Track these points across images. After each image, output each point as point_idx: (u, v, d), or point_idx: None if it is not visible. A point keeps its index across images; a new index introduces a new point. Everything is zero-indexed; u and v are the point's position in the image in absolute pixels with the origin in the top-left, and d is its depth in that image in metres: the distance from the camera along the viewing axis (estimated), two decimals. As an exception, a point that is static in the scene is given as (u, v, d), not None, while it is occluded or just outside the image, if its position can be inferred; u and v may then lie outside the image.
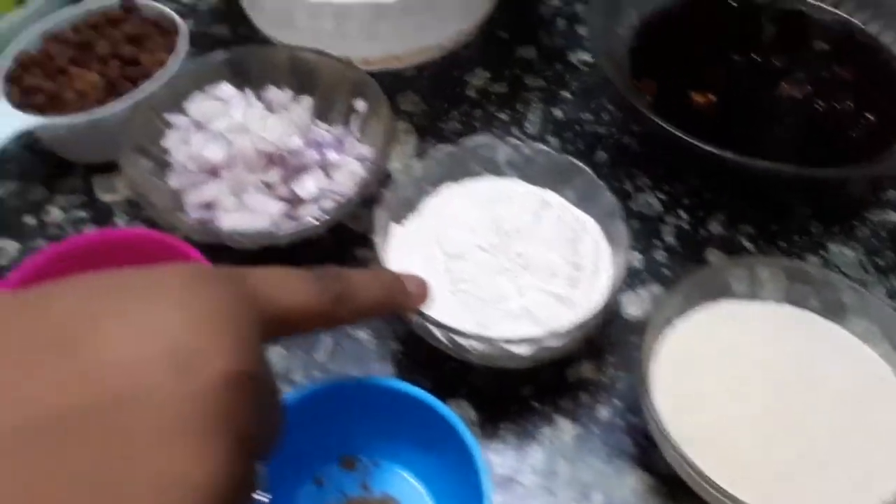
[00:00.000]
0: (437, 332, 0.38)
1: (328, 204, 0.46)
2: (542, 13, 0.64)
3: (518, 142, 0.46)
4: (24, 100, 0.50)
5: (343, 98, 0.51)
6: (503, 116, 0.57)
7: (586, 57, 0.61)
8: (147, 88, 0.50)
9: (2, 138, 0.47)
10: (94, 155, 0.53)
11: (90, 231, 0.50)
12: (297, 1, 0.48)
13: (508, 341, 0.37)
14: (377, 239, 0.41)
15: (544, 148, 0.46)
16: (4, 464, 0.19)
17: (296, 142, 0.47)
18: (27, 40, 0.53)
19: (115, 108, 0.49)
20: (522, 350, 0.38)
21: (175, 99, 0.50)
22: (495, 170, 0.46)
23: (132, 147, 0.47)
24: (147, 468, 0.20)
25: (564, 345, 0.39)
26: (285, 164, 0.46)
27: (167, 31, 0.55)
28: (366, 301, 0.30)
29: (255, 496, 0.24)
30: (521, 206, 0.44)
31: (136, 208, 0.51)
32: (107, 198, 0.52)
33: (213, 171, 0.47)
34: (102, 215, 0.51)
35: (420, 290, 0.36)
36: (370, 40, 0.53)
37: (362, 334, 0.45)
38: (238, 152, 0.46)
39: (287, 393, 0.37)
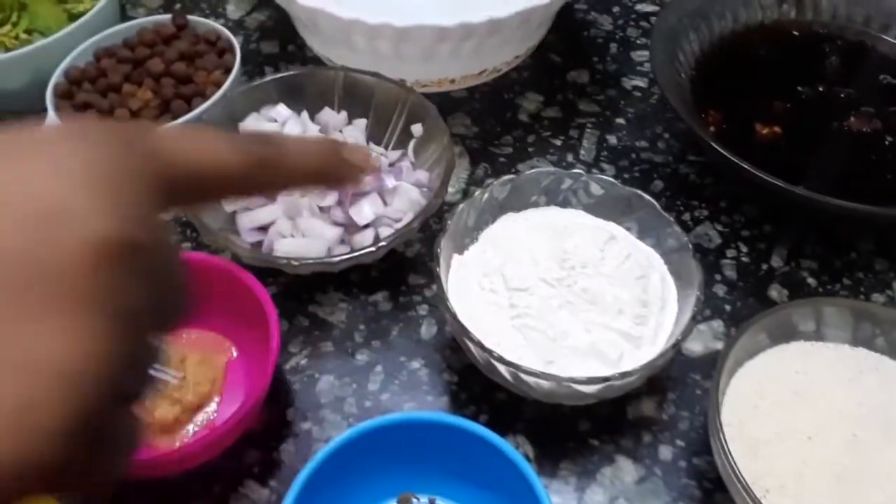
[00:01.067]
0: (502, 369, 0.37)
1: (385, 230, 0.45)
2: (593, 36, 0.63)
3: (581, 172, 0.45)
4: (76, 116, 0.50)
5: (399, 122, 0.51)
6: (557, 142, 0.56)
7: (640, 83, 0.60)
8: (202, 109, 0.49)
9: (56, 155, 0.47)
10: (144, 173, 0.52)
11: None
12: (356, 23, 0.47)
13: (578, 381, 0.36)
14: (440, 270, 0.40)
15: (608, 179, 0.45)
16: None
17: (352, 166, 0.46)
18: (79, 56, 0.53)
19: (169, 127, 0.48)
20: (590, 389, 0.37)
21: (230, 120, 0.50)
22: (557, 200, 0.45)
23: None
24: (8, 348, 0.18)
25: (631, 383, 0.38)
26: (342, 190, 0.46)
27: (220, 49, 0.54)
28: (298, 167, 0.26)
29: (155, 372, 0.21)
30: (585, 239, 0.43)
31: (187, 227, 0.51)
32: (156, 216, 0.51)
33: (268, 195, 0.46)
34: (152, 234, 0.50)
35: (363, 160, 0.29)
36: (427, 63, 0.52)
37: (415, 364, 0.44)
38: (294, 175, 0.46)
39: (344, 431, 0.36)
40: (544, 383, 0.37)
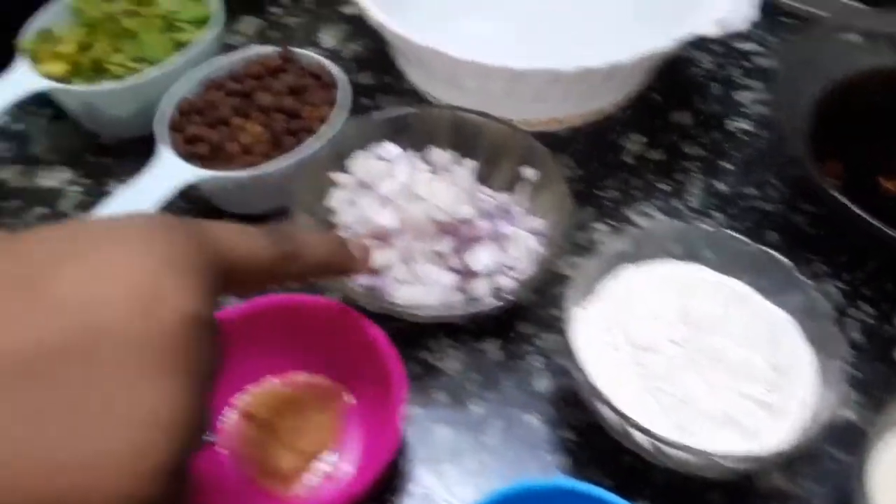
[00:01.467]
0: (640, 437, 0.36)
1: (502, 279, 0.44)
2: (693, 75, 0.62)
3: (707, 228, 0.44)
4: (187, 149, 0.49)
5: (508, 163, 0.50)
6: (663, 186, 0.54)
7: (745, 125, 0.58)
8: (312, 146, 0.49)
9: (170, 190, 0.47)
10: (248, 206, 0.52)
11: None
12: (473, 65, 0.46)
13: (725, 457, 0.35)
14: (568, 328, 0.39)
15: (731, 233, 0.43)
16: None
17: (467, 211, 0.45)
18: (187, 87, 0.53)
19: (282, 164, 0.48)
20: (734, 465, 0.36)
21: (338, 156, 0.49)
22: (678, 253, 0.44)
23: (299, 206, 0.46)
24: (110, 406, 0.21)
25: (775, 460, 0.37)
26: (458, 235, 0.45)
27: (324, 83, 0.54)
28: (312, 260, 0.32)
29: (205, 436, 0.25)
30: (710, 296, 0.42)
31: (289, 264, 0.50)
32: (261, 252, 0.51)
33: (382, 237, 0.45)
34: (257, 270, 0.50)
35: (363, 255, 0.37)
36: (536, 103, 0.51)
37: (534, 420, 0.43)
38: (409, 219, 0.45)
39: (470, 489, 0.35)
40: (685, 455, 0.36)
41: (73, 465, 0.21)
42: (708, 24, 0.48)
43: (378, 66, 0.63)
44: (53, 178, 0.55)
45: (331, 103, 0.52)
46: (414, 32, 0.48)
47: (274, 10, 0.68)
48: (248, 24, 0.66)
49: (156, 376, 0.22)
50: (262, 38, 0.65)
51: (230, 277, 0.27)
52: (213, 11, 0.57)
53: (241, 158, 0.49)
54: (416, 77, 0.56)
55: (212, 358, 0.25)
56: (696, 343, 0.40)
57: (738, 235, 0.43)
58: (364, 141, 0.50)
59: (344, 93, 0.52)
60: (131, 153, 0.56)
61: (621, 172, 0.55)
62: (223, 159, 0.49)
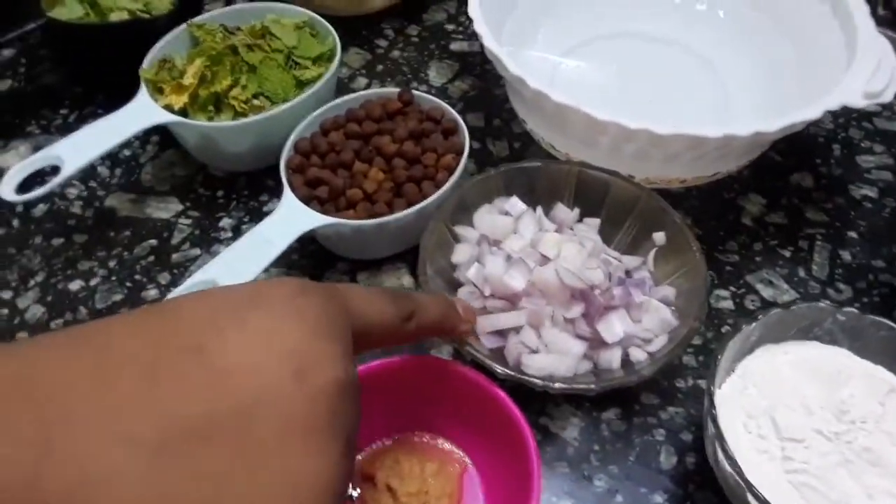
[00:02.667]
0: (796, 540, 0.35)
1: (636, 352, 0.43)
2: (813, 135, 0.60)
3: (851, 311, 0.42)
4: (308, 192, 0.49)
5: (633, 224, 0.48)
6: (785, 253, 0.53)
7: (869, 192, 0.56)
8: (438, 197, 0.48)
9: (294, 236, 0.46)
10: (363, 253, 0.51)
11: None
12: (612, 125, 0.45)
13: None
14: (713, 410, 0.38)
15: (879, 319, 0.42)
16: (147, 476, 0.21)
17: (598, 276, 0.44)
18: (307, 128, 0.52)
19: (404, 214, 0.47)
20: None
21: (461, 208, 0.48)
22: (819, 334, 0.42)
23: (426, 260, 0.45)
24: (276, 468, 0.22)
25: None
26: (589, 301, 0.44)
27: (445, 128, 0.53)
28: (426, 321, 0.34)
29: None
30: (862, 389, 0.40)
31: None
32: (374, 299, 0.50)
33: (510, 299, 0.44)
34: (371, 319, 0.49)
35: (468, 315, 0.39)
36: (665, 164, 0.50)
37: (659, 499, 0.42)
38: (539, 282, 0.44)
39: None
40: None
41: None
42: (855, 94, 0.46)
43: (487, 105, 0.62)
44: (164, 209, 0.54)
45: (451, 150, 0.51)
46: (551, 89, 0.46)
47: (380, 42, 0.67)
48: (355, 56, 0.65)
49: (312, 438, 0.23)
50: (369, 71, 0.64)
51: (362, 338, 0.28)
52: (331, 48, 0.56)
53: (363, 205, 0.48)
54: (534, 124, 0.55)
55: (356, 418, 0.26)
56: (849, 439, 0.38)
57: (886, 321, 0.42)
58: (488, 194, 0.49)
59: (465, 140, 0.51)
60: (241, 187, 0.56)
61: (741, 235, 0.54)
62: (344, 204, 0.49)
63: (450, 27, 0.69)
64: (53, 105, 0.61)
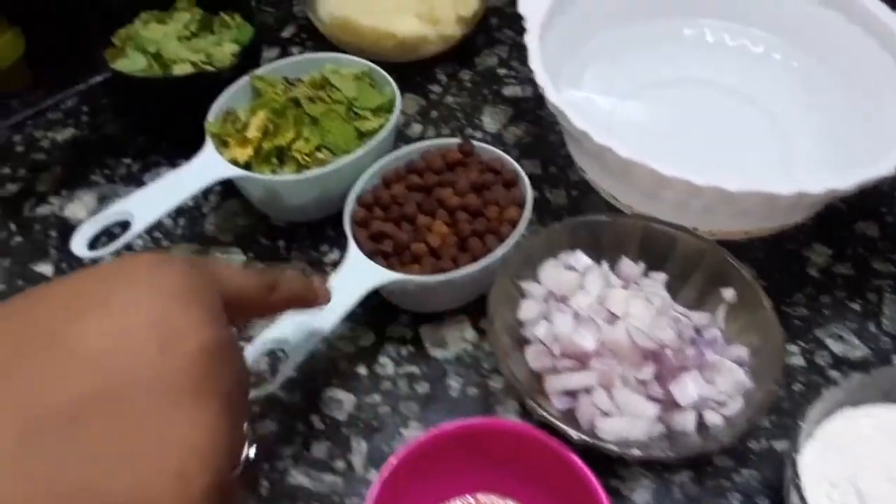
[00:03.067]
0: None
1: (711, 416, 0.42)
2: (878, 183, 0.59)
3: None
4: (373, 247, 0.49)
5: (700, 279, 0.48)
6: (854, 306, 0.52)
7: (938, 242, 0.55)
8: (500, 250, 0.48)
9: (362, 293, 0.46)
10: (425, 306, 0.51)
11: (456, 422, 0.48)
12: (680, 182, 0.45)
13: None
14: (796, 479, 0.37)
15: (963, 382, 0.41)
16: (14, 465, 0.22)
17: (669, 335, 0.43)
18: (369, 180, 0.52)
19: (470, 270, 0.47)
20: None
21: (526, 263, 0.48)
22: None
23: (493, 317, 0.45)
24: (151, 437, 0.23)
25: None
26: (661, 361, 0.43)
27: (506, 180, 0.53)
28: (289, 291, 0.36)
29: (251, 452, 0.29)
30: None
31: (466, 368, 0.49)
32: (438, 353, 0.50)
33: (580, 358, 0.44)
34: (436, 374, 0.49)
35: (322, 291, 0.41)
36: (732, 218, 0.49)
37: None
38: (610, 342, 0.43)
39: None
40: None
41: (127, 498, 0.23)
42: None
43: (542, 152, 0.62)
44: (228, 259, 0.55)
45: (513, 202, 0.51)
46: (617, 144, 0.46)
47: (434, 88, 0.67)
48: (409, 102, 0.66)
49: (184, 405, 0.24)
50: (423, 117, 0.65)
51: (231, 308, 0.30)
52: (390, 98, 0.57)
53: (428, 259, 0.48)
54: (595, 175, 0.55)
55: (232, 378, 0.27)
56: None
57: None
58: (552, 247, 0.49)
59: (527, 192, 0.51)
60: (302, 237, 0.56)
61: (807, 287, 0.53)
62: (409, 259, 0.49)
63: (502, 71, 0.69)
64: (117, 154, 0.62)
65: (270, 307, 0.36)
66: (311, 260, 0.55)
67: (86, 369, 0.23)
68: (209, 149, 0.52)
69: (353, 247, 0.48)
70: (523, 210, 0.50)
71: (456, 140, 0.55)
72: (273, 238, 0.56)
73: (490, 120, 0.65)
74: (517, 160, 0.56)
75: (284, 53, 0.71)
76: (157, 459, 0.23)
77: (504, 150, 0.56)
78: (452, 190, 0.51)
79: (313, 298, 0.40)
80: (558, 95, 0.49)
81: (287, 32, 0.73)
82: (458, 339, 0.51)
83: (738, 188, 0.44)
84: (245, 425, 0.29)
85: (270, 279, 0.34)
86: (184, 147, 0.55)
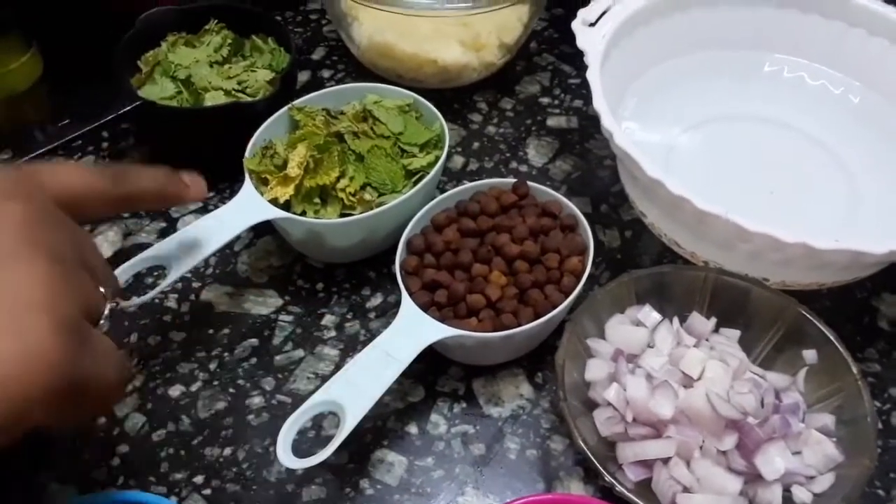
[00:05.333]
0: None
1: (799, 492, 0.39)
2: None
3: None
4: (427, 298, 0.45)
5: (775, 337, 0.45)
6: (930, 363, 0.49)
7: None
8: (565, 304, 0.45)
9: (416, 350, 0.43)
10: (479, 359, 0.48)
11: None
12: (765, 237, 0.42)
13: None
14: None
15: None
16: None
17: (750, 401, 0.41)
18: (418, 224, 0.49)
19: (532, 325, 0.44)
20: None
21: (595, 318, 0.45)
22: None
23: (562, 377, 0.42)
24: None
25: None
26: (743, 431, 0.40)
27: (563, 224, 0.49)
28: (139, 183, 0.37)
29: (122, 303, 0.34)
30: None
31: (524, 427, 0.46)
32: (493, 411, 0.47)
33: (656, 426, 0.41)
34: (491, 433, 0.46)
35: (195, 185, 0.41)
36: (809, 271, 0.47)
37: None
38: (688, 409, 0.40)
39: None
40: None
41: None
42: None
43: (591, 188, 0.59)
44: (262, 303, 0.52)
45: (574, 251, 0.48)
46: (693, 194, 0.43)
47: (474, 117, 0.64)
48: (450, 132, 0.62)
49: (14, 264, 0.27)
50: (465, 149, 0.62)
51: (70, 203, 0.32)
52: (438, 134, 0.54)
53: (486, 313, 0.45)
54: (657, 219, 0.51)
55: (67, 237, 0.30)
56: None
57: None
58: (618, 301, 0.46)
59: (588, 240, 0.48)
60: (341, 279, 0.53)
61: (879, 340, 0.50)
62: (464, 311, 0.45)
63: (545, 100, 0.66)
64: (141, 185, 0.58)
65: (119, 201, 0.36)
66: (353, 304, 0.52)
67: None
68: (248, 188, 0.48)
69: (406, 299, 0.45)
70: (585, 259, 0.47)
71: (508, 180, 0.51)
72: (311, 280, 0.53)
73: (535, 153, 0.62)
74: (566, 197, 0.52)
75: (315, 77, 0.67)
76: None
77: (552, 187, 0.53)
78: (510, 236, 0.48)
79: (177, 193, 0.40)
80: (630, 143, 0.46)
81: (317, 55, 0.69)
82: (513, 395, 0.47)
83: (828, 246, 0.41)
84: (102, 289, 0.31)
85: (117, 172, 0.35)
86: (212, 178, 0.51)
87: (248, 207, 0.48)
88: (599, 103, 0.48)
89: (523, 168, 0.60)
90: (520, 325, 0.44)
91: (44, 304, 0.27)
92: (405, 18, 0.59)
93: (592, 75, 0.50)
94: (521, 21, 0.63)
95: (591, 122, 0.64)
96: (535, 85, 0.67)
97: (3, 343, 0.26)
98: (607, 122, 0.47)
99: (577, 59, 0.69)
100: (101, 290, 0.31)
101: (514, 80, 0.67)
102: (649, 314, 0.45)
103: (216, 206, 0.56)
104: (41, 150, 0.49)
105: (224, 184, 0.58)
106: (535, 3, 0.63)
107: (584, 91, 0.67)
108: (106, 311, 0.31)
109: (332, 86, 0.66)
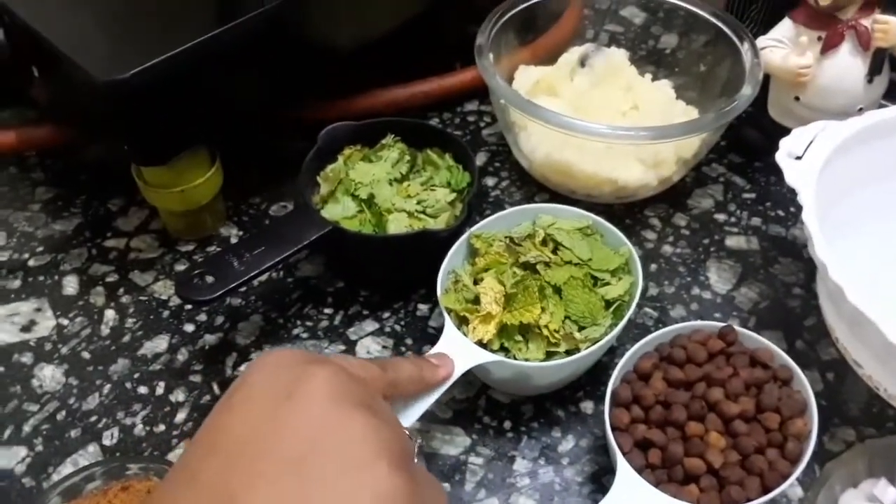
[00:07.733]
0: None
1: None
2: None
3: None
4: (641, 460, 0.43)
5: None
6: None
7: None
8: (794, 474, 0.42)
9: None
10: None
11: None
12: None
13: None
14: None
15: None
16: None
17: None
18: (621, 368, 0.47)
19: (763, 501, 0.41)
20: None
21: (824, 491, 0.42)
22: None
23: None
24: (340, 497, 0.28)
25: None
26: None
27: (777, 375, 0.46)
28: (400, 373, 0.39)
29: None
30: None
31: None
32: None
33: None
34: None
35: (443, 363, 0.44)
36: None
37: None
38: None
39: None
40: None
41: None
42: None
43: (782, 321, 0.56)
44: (450, 442, 0.50)
45: (794, 410, 0.44)
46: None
47: (647, 234, 0.62)
48: (625, 252, 0.61)
49: (367, 469, 0.29)
50: (644, 271, 0.59)
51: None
52: (626, 259, 0.51)
53: (707, 480, 0.42)
54: (873, 370, 0.48)
55: (393, 440, 0.31)
56: None
57: None
58: (850, 474, 0.43)
59: (809, 398, 0.45)
60: (527, 417, 0.51)
61: None
62: (681, 476, 0.43)
63: (720, 217, 0.63)
64: (316, 303, 0.57)
65: (387, 386, 0.37)
66: (545, 446, 0.49)
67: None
68: (451, 331, 0.47)
69: (623, 464, 0.42)
70: (808, 419, 0.44)
71: (711, 323, 0.49)
72: (497, 417, 0.51)
73: (717, 277, 0.59)
74: (755, 331, 0.49)
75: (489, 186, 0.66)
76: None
77: (739, 318, 0.50)
78: (724, 391, 0.45)
79: (433, 375, 0.43)
80: (860, 297, 0.43)
81: (479, 159, 0.68)
82: (726, 564, 0.44)
83: None
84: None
85: (381, 363, 0.38)
86: (384, 296, 0.54)
87: (457, 353, 0.45)
88: (823, 253, 0.45)
89: (706, 295, 0.58)
90: (749, 499, 0.41)
91: (380, 452, 0.29)
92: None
93: (809, 219, 0.47)
94: (701, 136, 0.61)
95: (772, 244, 0.61)
96: (708, 199, 0.65)
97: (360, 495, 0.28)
98: (835, 275, 0.44)
99: (747, 170, 0.67)
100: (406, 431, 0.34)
101: (684, 194, 0.65)
102: (886, 490, 0.42)
103: (392, 328, 0.56)
104: (240, 280, 0.49)
105: (398, 303, 0.57)
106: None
107: (760, 208, 0.64)
108: (416, 449, 0.34)
109: (497, 195, 0.65)
